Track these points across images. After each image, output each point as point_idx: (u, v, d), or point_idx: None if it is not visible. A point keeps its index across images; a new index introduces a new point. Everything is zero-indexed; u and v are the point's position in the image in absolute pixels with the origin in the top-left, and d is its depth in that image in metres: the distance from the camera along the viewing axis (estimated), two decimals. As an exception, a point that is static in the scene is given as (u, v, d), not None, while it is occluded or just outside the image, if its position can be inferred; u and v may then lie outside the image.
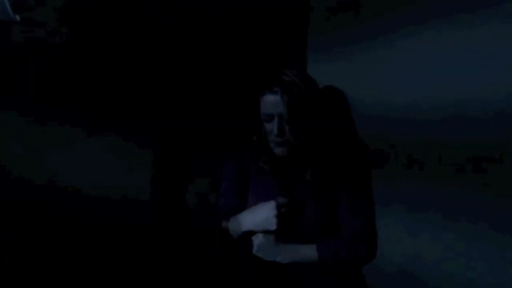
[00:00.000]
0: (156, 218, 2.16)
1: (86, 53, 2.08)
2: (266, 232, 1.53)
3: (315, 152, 1.58)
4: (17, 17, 1.76)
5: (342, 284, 1.55)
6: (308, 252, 1.51)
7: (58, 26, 2.03)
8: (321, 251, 1.50)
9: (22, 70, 1.97)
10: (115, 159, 2.13)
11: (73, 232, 2.02)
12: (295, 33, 2.35)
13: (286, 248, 1.53)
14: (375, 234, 1.55)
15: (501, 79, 1.75)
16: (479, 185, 1.81)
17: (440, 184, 1.95)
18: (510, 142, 1.72)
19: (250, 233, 1.56)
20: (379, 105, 2.16)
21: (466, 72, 1.86)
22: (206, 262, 2.00)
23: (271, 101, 1.54)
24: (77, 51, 2.06)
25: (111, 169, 2.12)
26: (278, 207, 1.51)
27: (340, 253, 1.50)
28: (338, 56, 2.28)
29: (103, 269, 2.04)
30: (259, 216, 1.53)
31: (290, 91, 1.53)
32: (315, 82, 1.61)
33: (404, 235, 2.09)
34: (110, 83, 2.13)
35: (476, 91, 1.83)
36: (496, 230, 1.77)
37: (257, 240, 1.54)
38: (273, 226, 1.51)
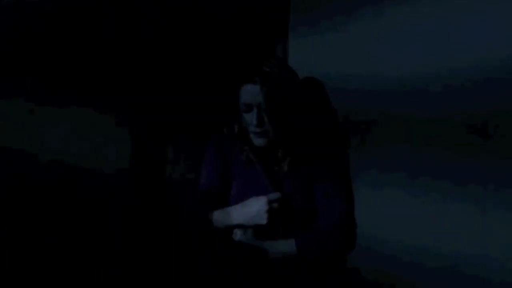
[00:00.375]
0: (136, 196, 2.18)
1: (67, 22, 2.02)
2: (255, 226, 1.55)
3: (293, 142, 1.58)
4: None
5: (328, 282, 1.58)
6: (286, 246, 1.54)
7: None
8: (300, 245, 1.53)
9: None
10: (94, 134, 2.12)
11: (51, 208, 2.02)
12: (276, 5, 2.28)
13: (265, 244, 1.55)
14: (354, 225, 1.58)
15: (498, 45, 1.72)
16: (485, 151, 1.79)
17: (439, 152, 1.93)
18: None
19: (235, 227, 1.58)
20: (369, 77, 2.12)
21: (462, 40, 1.82)
22: (185, 242, 2.05)
23: (251, 91, 1.54)
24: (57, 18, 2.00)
25: (90, 144, 2.11)
26: (270, 202, 1.53)
27: (319, 246, 1.54)
28: (323, 28, 2.22)
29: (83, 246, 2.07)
30: (250, 211, 1.55)
31: (270, 81, 1.53)
32: (295, 73, 1.60)
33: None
34: (96, 57, 2.08)
35: (474, 58, 1.80)
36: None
37: (236, 237, 1.57)
38: (263, 221, 1.53)
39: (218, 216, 1.60)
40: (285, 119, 1.55)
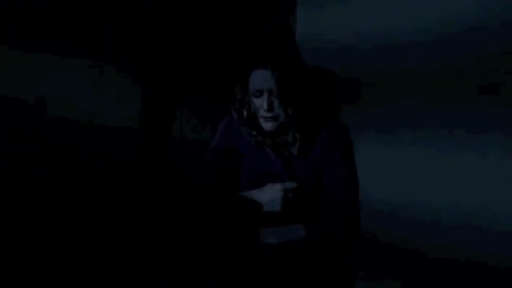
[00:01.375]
0: (143, 152, 2.16)
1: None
2: (268, 213, 1.55)
3: (303, 127, 1.61)
4: None
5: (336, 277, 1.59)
6: (295, 231, 1.55)
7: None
8: (309, 230, 1.55)
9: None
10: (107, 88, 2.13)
11: (58, 160, 2.00)
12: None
13: (273, 230, 1.56)
14: (359, 209, 1.60)
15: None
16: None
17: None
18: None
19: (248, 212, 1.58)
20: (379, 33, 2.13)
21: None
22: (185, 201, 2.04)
23: (262, 76, 1.56)
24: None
25: (100, 99, 2.12)
26: (285, 190, 1.55)
27: (326, 231, 1.55)
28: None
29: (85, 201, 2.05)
30: (266, 197, 1.56)
31: (281, 66, 1.55)
32: (303, 60, 1.63)
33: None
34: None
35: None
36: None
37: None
38: (277, 208, 1.54)
39: (232, 200, 1.60)
40: (295, 104, 1.58)
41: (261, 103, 1.58)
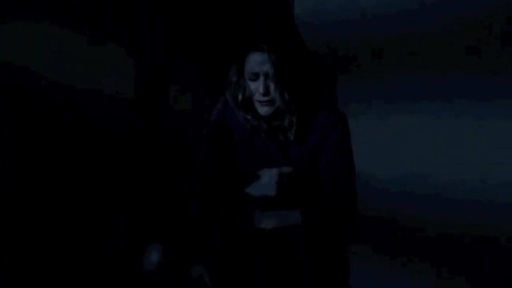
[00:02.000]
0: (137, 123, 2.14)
1: None
2: (263, 197, 1.54)
3: (299, 111, 1.59)
4: None
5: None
6: (291, 216, 1.55)
7: None
8: (305, 215, 1.54)
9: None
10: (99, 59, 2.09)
11: (51, 129, 1.96)
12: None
13: (269, 214, 1.55)
14: (356, 196, 1.59)
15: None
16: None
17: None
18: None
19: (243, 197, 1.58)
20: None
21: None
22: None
23: (258, 60, 1.54)
24: None
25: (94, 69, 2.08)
26: (280, 174, 1.54)
27: (323, 217, 1.55)
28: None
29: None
30: (261, 181, 1.55)
31: (277, 49, 1.52)
32: (303, 42, 1.59)
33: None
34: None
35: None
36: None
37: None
38: (272, 193, 1.53)
39: (229, 187, 1.60)
40: (292, 88, 1.55)
41: (257, 87, 1.56)
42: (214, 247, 1.54)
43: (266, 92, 1.55)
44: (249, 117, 1.61)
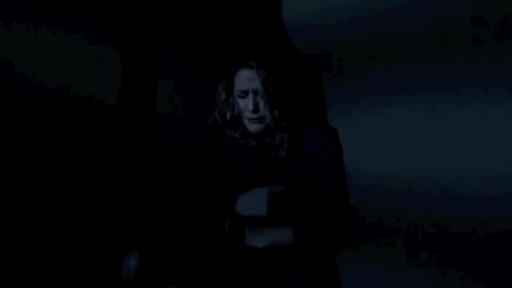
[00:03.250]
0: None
1: None
2: (253, 217, 1.51)
3: (290, 129, 1.56)
4: None
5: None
6: (283, 234, 1.52)
7: None
8: (297, 233, 1.51)
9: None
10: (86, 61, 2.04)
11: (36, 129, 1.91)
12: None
13: (261, 232, 1.54)
14: (349, 213, 1.57)
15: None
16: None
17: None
18: None
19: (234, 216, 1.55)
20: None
21: None
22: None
23: (247, 76, 1.51)
24: None
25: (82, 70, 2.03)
26: (271, 194, 1.50)
27: (315, 235, 1.52)
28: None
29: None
30: (251, 201, 1.51)
31: (266, 66, 1.49)
32: (291, 57, 1.56)
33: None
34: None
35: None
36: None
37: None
38: (263, 212, 1.49)
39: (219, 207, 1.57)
40: (282, 104, 1.52)
41: (246, 104, 1.53)
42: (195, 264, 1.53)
43: (256, 109, 1.52)
44: (238, 135, 1.58)
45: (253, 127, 1.55)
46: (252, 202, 1.51)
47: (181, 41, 2.17)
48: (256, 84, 1.50)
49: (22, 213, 1.85)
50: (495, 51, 1.74)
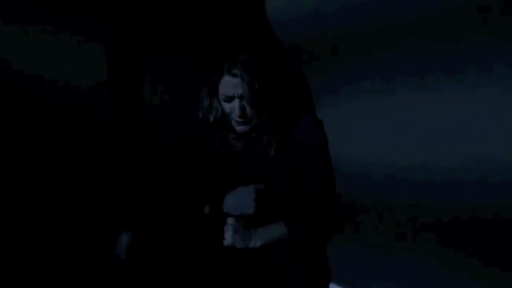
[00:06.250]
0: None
1: None
2: (241, 216, 1.54)
3: (277, 127, 1.59)
4: None
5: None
6: (277, 230, 1.54)
7: None
8: (291, 227, 1.54)
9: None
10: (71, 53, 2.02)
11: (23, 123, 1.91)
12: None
13: (256, 232, 1.55)
14: (338, 202, 1.61)
15: None
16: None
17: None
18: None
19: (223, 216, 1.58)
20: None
21: None
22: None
23: (232, 83, 1.53)
24: None
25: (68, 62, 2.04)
26: (257, 191, 1.54)
27: (309, 226, 1.55)
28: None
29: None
30: (238, 199, 1.55)
31: (251, 70, 1.51)
32: (274, 58, 1.58)
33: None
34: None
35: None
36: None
37: (229, 231, 1.54)
38: (251, 210, 1.53)
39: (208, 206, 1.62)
40: (269, 106, 1.55)
41: (232, 108, 1.56)
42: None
43: (243, 114, 1.55)
44: (225, 135, 1.61)
45: (240, 128, 1.58)
46: (240, 200, 1.55)
47: (170, 39, 2.18)
48: (242, 90, 1.52)
49: (15, 205, 1.86)
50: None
